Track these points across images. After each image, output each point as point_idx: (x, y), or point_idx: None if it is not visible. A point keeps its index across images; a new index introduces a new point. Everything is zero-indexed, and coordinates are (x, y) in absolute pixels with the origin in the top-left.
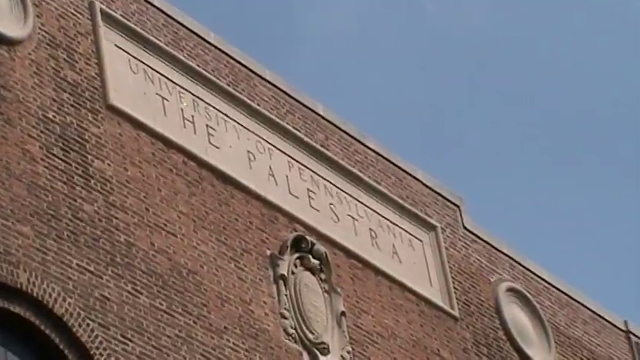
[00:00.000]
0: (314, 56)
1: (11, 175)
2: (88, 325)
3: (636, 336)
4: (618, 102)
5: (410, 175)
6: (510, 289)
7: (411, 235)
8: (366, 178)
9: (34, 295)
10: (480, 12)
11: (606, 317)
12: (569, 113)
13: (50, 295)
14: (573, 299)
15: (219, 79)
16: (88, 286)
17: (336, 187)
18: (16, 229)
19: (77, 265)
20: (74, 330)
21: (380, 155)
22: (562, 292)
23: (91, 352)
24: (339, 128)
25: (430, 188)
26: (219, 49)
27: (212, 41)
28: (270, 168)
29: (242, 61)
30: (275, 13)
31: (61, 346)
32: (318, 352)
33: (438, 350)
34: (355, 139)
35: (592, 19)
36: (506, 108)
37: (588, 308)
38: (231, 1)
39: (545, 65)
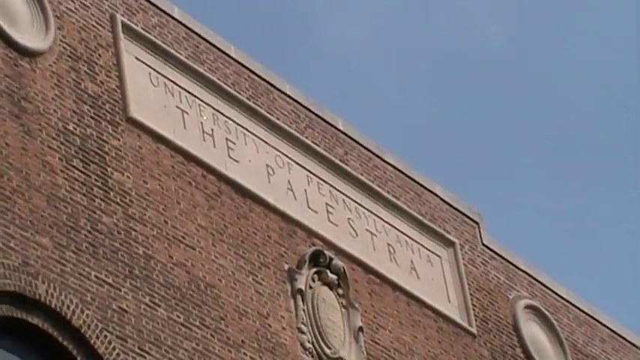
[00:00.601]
0: (333, 70)
1: (31, 186)
2: (105, 337)
3: None
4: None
5: (428, 190)
6: (528, 307)
7: (430, 251)
8: (385, 194)
9: (52, 306)
10: (497, 24)
11: (625, 336)
12: (591, 128)
13: (68, 307)
14: (592, 317)
15: (239, 92)
16: (106, 298)
17: (355, 201)
18: (35, 241)
19: (96, 277)
20: (92, 342)
21: (399, 170)
22: (580, 309)
23: None
24: (359, 143)
25: (449, 204)
26: (240, 63)
27: (233, 55)
28: (289, 182)
29: (262, 75)
30: (294, 27)
31: (79, 358)
32: None
33: None
34: (374, 154)
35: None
36: (527, 123)
37: (607, 326)
38: (251, 15)
39: (566, 77)
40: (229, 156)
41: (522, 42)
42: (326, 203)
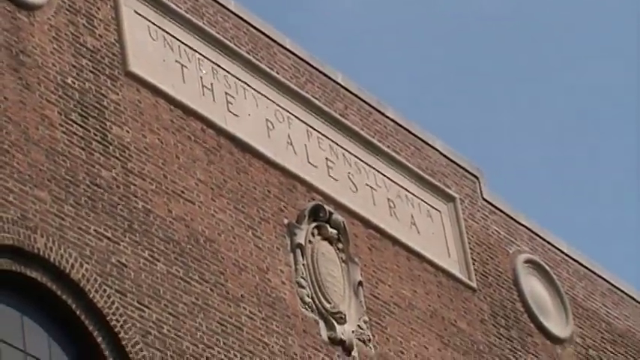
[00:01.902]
0: (334, 25)
1: (29, 140)
2: (104, 291)
3: None
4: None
5: (429, 145)
6: (528, 261)
7: (430, 205)
8: (385, 148)
9: (51, 260)
10: None
11: (624, 290)
12: (587, 84)
13: (67, 261)
14: (591, 271)
15: (238, 46)
16: (106, 252)
17: (355, 156)
18: (34, 195)
19: (95, 231)
20: (91, 296)
21: (399, 125)
22: (580, 264)
23: (108, 318)
24: (359, 97)
25: (449, 158)
26: (240, 17)
27: (232, 9)
28: (289, 137)
29: (262, 29)
30: None
31: (78, 312)
32: (334, 322)
33: (455, 321)
34: (374, 108)
35: None
36: (526, 80)
37: (606, 280)
38: None
39: (560, 40)
40: (229, 110)
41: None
42: (326, 158)
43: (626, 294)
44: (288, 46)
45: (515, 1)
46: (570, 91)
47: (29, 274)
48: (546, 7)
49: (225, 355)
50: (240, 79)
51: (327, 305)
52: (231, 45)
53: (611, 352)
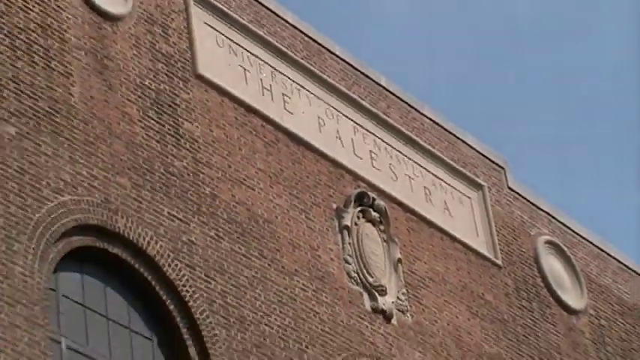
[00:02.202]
0: (379, 31)
1: (112, 134)
2: (176, 265)
3: None
4: None
5: (460, 139)
6: (548, 242)
7: (461, 193)
8: (422, 142)
9: (130, 238)
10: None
11: (634, 268)
12: (605, 75)
13: (144, 239)
14: (604, 251)
15: (294, 53)
16: (177, 232)
17: (395, 149)
18: (116, 181)
19: (168, 213)
20: (164, 269)
21: (434, 122)
22: (594, 245)
23: (179, 289)
24: (399, 98)
25: (478, 151)
26: (295, 27)
27: (289, 20)
28: (338, 132)
29: (315, 38)
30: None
31: (153, 283)
32: (376, 294)
33: (483, 294)
34: (413, 107)
35: None
36: (550, 83)
37: (617, 260)
38: None
39: (586, 41)
40: (285, 108)
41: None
42: (370, 150)
43: (635, 272)
44: (337, 53)
45: (543, 3)
46: (589, 82)
47: (111, 250)
48: (567, 9)
49: (281, 323)
50: (295, 82)
51: (370, 279)
52: (288, 52)
53: (621, 322)
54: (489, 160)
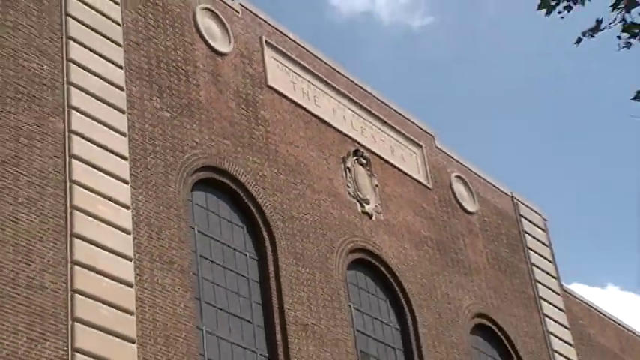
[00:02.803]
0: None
1: (222, 116)
2: (257, 191)
3: (519, 201)
4: None
5: (409, 120)
6: (457, 177)
7: (410, 150)
8: (391, 123)
9: (231, 173)
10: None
11: (504, 190)
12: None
13: (239, 174)
14: (489, 182)
15: (319, 72)
16: (255, 172)
17: (375, 127)
18: (224, 142)
19: (251, 159)
20: (249, 190)
21: (400, 114)
22: (483, 178)
23: (258, 201)
24: (377, 98)
25: (420, 128)
26: (320, 59)
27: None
28: (344, 117)
29: (330, 64)
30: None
31: (244, 198)
32: (364, 203)
33: (422, 204)
34: (382, 102)
35: None
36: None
37: (495, 186)
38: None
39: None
40: (315, 104)
41: None
42: (361, 126)
43: (504, 192)
44: (346, 74)
45: None
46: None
47: (220, 179)
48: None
49: (313, 220)
50: (320, 89)
51: (361, 195)
52: (313, 70)
53: (496, 219)
54: (426, 132)
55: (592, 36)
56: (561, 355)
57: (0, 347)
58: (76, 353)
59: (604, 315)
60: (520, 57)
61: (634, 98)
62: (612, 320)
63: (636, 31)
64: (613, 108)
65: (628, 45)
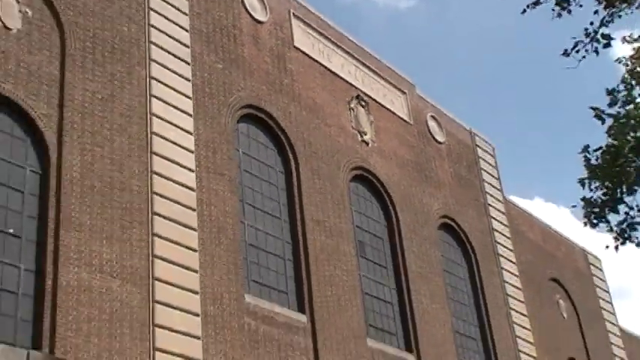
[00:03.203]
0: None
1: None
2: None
3: (475, 134)
4: None
5: (396, 72)
6: (431, 116)
7: (398, 95)
8: (385, 76)
9: (266, 110)
10: None
11: (459, 122)
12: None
13: (273, 110)
14: (456, 121)
15: (331, 37)
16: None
17: (373, 78)
18: (261, 88)
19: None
20: (275, 117)
21: (390, 68)
22: (450, 117)
23: (281, 126)
24: (371, 55)
25: (404, 78)
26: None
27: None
28: (349, 71)
29: (336, 29)
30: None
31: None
32: (363, 134)
33: (404, 134)
34: (374, 57)
35: None
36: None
37: (452, 119)
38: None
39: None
40: (329, 61)
41: None
42: (362, 78)
43: (462, 126)
44: (350, 37)
45: None
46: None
47: (257, 114)
48: None
49: (322, 145)
50: (332, 49)
51: (361, 129)
52: (326, 34)
53: (456, 145)
54: (409, 82)
55: (534, 7)
56: (501, 244)
57: (99, 230)
58: (154, 238)
59: (532, 217)
60: (485, 28)
61: (562, 54)
62: (537, 221)
63: (565, 4)
64: (551, 62)
65: (559, 15)
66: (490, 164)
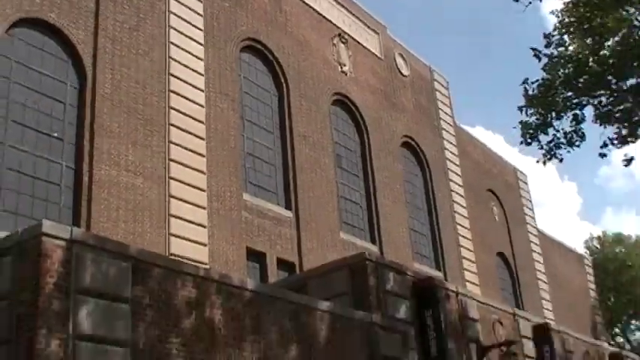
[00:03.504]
0: None
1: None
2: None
3: (434, 70)
4: None
5: (372, 16)
6: (399, 54)
7: (372, 36)
8: (364, 20)
9: (269, 48)
10: None
11: (420, 58)
12: None
13: (275, 50)
14: (425, 63)
15: None
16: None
17: (353, 21)
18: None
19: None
20: (278, 59)
21: (366, 12)
22: (419, 58)
23: (280, 64)
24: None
25: (379, 22)
26: None
27: None
28: (336, 16)
29: None
30: None
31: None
32: (344, 72)
33: (378, 72)
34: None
35: None
36: None
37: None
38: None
39: None
40: (321, 7)
41: None
42: (343, 19)
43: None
44: None
45: None
46: None
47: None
48: None
49: (313, 78)
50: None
51: (344, 68)
52: None
53: (418, 86)
54: (382, 24)
55: None
56: (451, 161)
57: (126, 137)
58: (170, 145)
59: (475, 140)
60: None
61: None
62: (479, 143)
63: None
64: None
65: None
66: (444, 95)
